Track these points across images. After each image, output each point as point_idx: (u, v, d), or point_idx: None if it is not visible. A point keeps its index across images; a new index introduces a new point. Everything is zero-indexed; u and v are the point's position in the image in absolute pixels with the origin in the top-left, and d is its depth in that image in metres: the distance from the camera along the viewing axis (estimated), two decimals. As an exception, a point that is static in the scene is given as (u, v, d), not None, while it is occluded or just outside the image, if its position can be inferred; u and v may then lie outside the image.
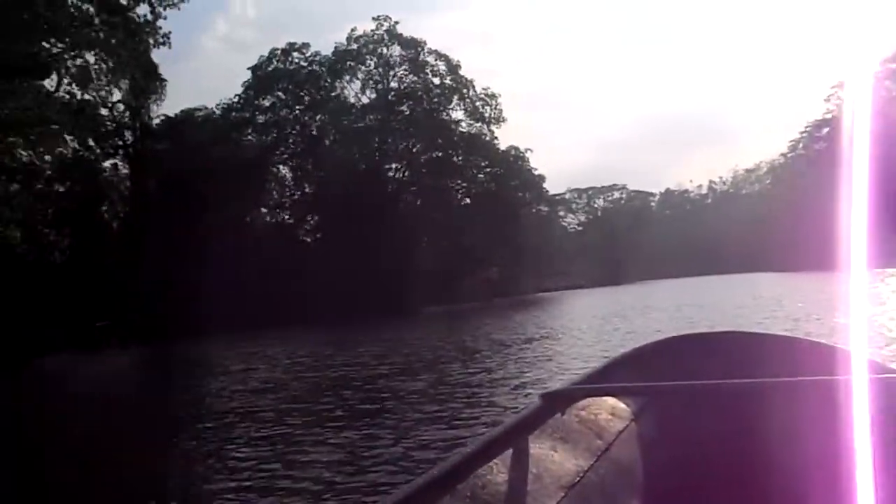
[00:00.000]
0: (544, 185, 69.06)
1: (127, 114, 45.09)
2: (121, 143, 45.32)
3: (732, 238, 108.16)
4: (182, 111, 56.15)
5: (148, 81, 44.81)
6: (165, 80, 45.52)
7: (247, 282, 44.08)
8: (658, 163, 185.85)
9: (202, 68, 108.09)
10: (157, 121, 46.72)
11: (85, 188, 40.44)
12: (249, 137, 54.35)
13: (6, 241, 23.87)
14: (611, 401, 3.01)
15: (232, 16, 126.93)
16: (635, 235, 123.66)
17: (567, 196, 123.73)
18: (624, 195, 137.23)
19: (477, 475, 2.05)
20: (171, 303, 40.08)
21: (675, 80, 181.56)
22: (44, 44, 27.84)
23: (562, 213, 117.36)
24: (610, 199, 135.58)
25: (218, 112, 55.48)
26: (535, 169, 63.43)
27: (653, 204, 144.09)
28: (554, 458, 2.41)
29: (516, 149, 61.05)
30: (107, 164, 45.35)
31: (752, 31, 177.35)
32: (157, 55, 43.08)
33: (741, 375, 2.57)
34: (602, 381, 2.97)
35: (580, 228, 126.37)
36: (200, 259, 47.83)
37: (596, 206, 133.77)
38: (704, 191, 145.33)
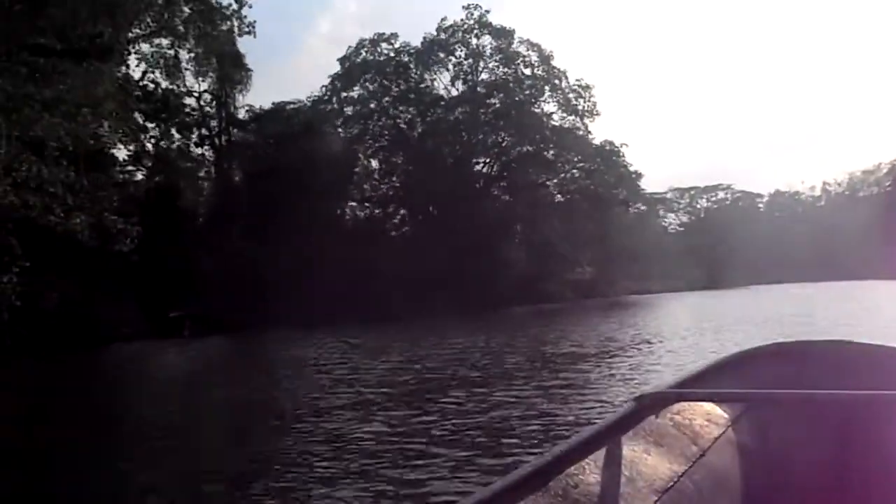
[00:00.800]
0: (640, 182, 65.69)
1: (213, 103, 44.95)
2: (207, 132, 45.23)
3: (847, 243, 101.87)
4: (274, 104, 56.35)
5: (234, 71, 44.60)
6: (251, 70, 45.22)
7: (330, 274, 43.21)
8: (766, 162, 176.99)
9: (304, 64, 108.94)
10: (242, 111, 46.36)
11: (166, 177, 40.38)
12: (338, 130, 53.58)
13: (70, 230, 23.27)
14: (707, 406, 2.95)
15: (335, 12, 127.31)
16: (740, 238, 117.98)
17: (668, 195, 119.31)
18: (729, 196, 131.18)
19: (568, 474, 2.04)
20: (250, 294, 39.68)
21: (785, 75, 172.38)
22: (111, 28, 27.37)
23: (661, 213, 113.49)
24: (714, 199, 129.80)
25: (308, 104, 55.00)
26: (631, 165, 60.35)
27: (760, 205, 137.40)
28: (647, 462, 2.36)
29: (611, 143, 58.26)
30: (192, 152, 45.50)
31: (867, 24, 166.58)
32: (257, 50, 42.78)
33: (846, 386, 2.57)
34: (698, 385, 2.99)
35: (681, 229, 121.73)
36: (285, 251, 47.67)
37: (699, 206, 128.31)
38: (817, 192, 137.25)
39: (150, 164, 36.74)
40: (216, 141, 45.27)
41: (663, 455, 2.44)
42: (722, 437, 2.80)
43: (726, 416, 2.95)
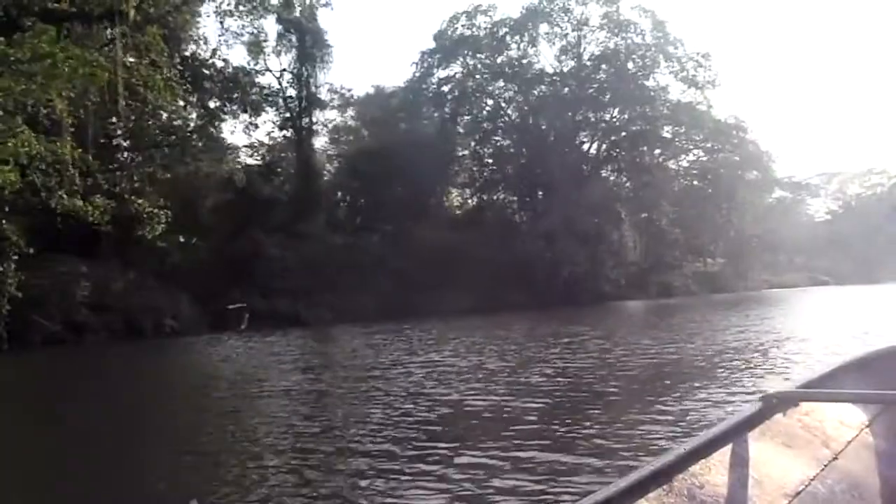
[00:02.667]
0: (777, 164, 58.98)
1: (293, 82, 42.63)
2: (288, 114, 42.91)
3: None
4: (374, 86, 54.04)
5: (315, 48, 42.17)
6: (331, 46, 42.54)
7: (423, 263, 39.95)
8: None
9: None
10: (324, 91, 43.82)
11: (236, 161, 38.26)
12: (433, 111, 50.31)
13: (73, 211, 21.09)
14: (839, 407, 2.82)
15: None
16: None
17: (813, 180, 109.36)
18: (885, 181, 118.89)
19: (694, 473, 2.02)
20: (328, 285, 37.16)
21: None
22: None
23: (806, 200, 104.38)
24: (867, 184, 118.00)
25: (403, 84, 52.20)
26: (759, 143, 53.72)
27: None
28: (776, 463, 2.32)
29: (736, 118, 51.91)
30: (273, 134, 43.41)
31: None
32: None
33: None
34: (828, 385, 2.86)
35: (828, 217, 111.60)
36: (373, 240, 45.02)
37: (849, 192, 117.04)
38: None
39: (208, 146, 34.39)
40: (298, 122, 42.83)
41: (793, 457, 2.39)
42: (856, 441, 2.69)
43: (860, 418, 2.82)
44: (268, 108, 40.47)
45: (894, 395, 2.81)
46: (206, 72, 35.50)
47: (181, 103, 31.70)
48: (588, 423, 8.43)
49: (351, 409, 10.80)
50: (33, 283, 24.74)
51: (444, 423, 9.23)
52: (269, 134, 44.13)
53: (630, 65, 49.96)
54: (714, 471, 2.08)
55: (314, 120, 43.32)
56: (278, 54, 43.21)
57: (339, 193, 50.91)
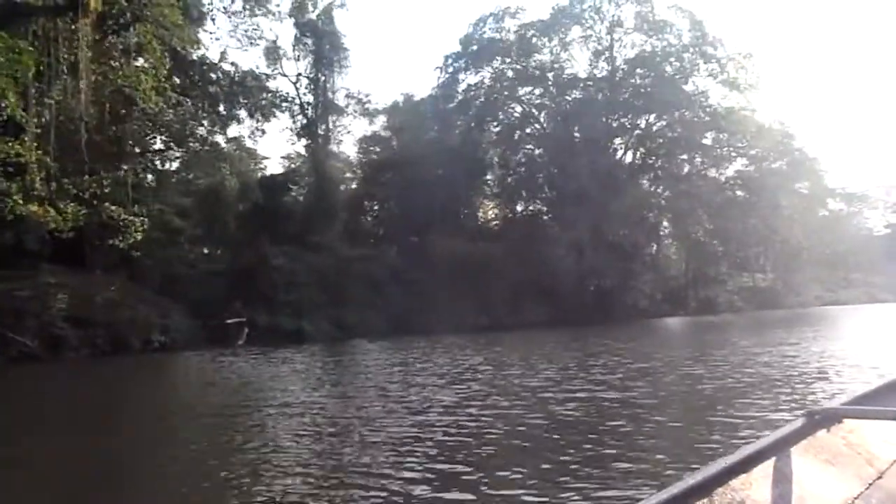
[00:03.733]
0: (823, 172, 55.42)
1: (310, 87, 40.93)
2: (304, 120, 41.17)
3: None
4: (402, 94, 52.27)
5: (332, 52, 40.48)
6: (348, 50, 40.79)
7: (442, 277, 37.75)
8: None
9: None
10: (342, 96, 42.00)
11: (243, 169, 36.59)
12: (459, 118, 48.16)
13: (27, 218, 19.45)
14: (884, 425, 2.78)
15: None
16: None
17: (871, 192, 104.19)
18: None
19: (735, 487, 2.00)
20: (339, 299, 35.24)
21: None
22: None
23: (863, 212, 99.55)
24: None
25: (431, 91, 50.24)
26: (803, 149, 50.23)
27: None
28: (819, 480, 2.29)
29: (781, 123, 48.56)
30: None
31: None
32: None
33: None
34: (873, 402, 2.85)
35: (888, 231, 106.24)
36: (393, 251, 43.07)
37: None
38: None
39: (201, 150, 32.80)
40: (314, 128, 41.08)
41: (836, 474, 2.34)
42: None
43: None
44: (279, 114, 38.69)
45: None
46: (213, 76, 33.91)
47: (184, 106, 30.37)
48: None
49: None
50: (10, 294, 23.43)
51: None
52: (288, 142, 42.52)
53: (667, 68, 47.14)
54: (756, 486, 2.03)
55: (331, 126, 41.41)
56: (297, 59, 41.72)
57: (366, 203, 49.20)
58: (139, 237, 22.81)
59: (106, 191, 21.45)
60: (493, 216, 52.26)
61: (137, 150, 27.64)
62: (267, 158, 46.67)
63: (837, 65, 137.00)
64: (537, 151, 48.73)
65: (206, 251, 36.78)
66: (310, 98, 40.96)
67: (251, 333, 30.33)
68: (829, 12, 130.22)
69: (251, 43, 37.90)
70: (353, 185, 50.40)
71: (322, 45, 40.40)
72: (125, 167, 24.45)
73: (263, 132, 38.45)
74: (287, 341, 30.03)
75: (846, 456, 2.48)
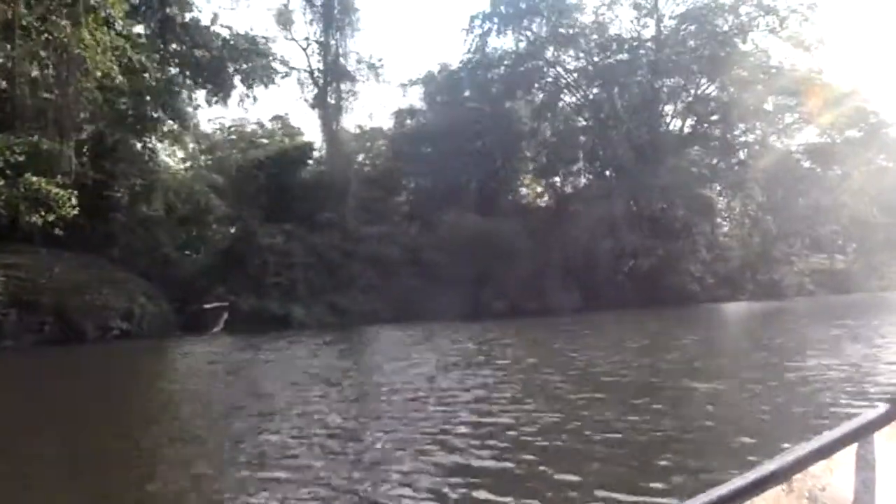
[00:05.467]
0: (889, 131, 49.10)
1: (319, 52, 37.66)
2: (313, 87, 37.90)
3: None
4: (440, 64, 48.75)
5: (341, 14, 37.12)
6: (358, 10, 37.30)
7: (466, 258, 34.11)
8: None
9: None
10: (353, 61, 38.47)
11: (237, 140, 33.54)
12: (491, 86, 44.17)
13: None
14: None
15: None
16: None
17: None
18: None
19: (814, 474, 1.95)
20: (344, 282, 32.11)
21: None
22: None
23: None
24: None
25: (463, 58, 46.41)
26: (879, 114, 44.22)
27: None
28: None
29: (854, 86, 42.71)
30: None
31: None
32: None
33: None
34: None
35: None
36: (409, 230, 39.80)
37: None
38: None
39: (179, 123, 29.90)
40: (324, 97, 37.72)
41: None
42: None
43: None
44: (283, 81, 35.43)
45: None
46: (201, 39, 30.94)
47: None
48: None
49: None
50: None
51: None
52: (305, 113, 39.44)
53: (720, 23, 41.98)
54: (837, 473, 1.99)
55: (343, 94, 37.99)
56: (309, 23, 38.51)
57: (397, 178, 46.01)
58: (72, 212, 19.80)
59: (20, 159, 18.50)
60: (530, 193, 48.39)
61: (84, 116, 24.75)
62: (299, 134, 43.73)
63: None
64: (577, 121, 44.35)
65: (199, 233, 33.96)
66: (319, 64, 37.70)
67: (232, 319, 27.41)
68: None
69: (247, 5, 34.87)
70: (381, 161, 47.30)
71: (331, 5, 37.08)
72: (61, 137, 21.53)
73: (255, 99, 35.23)
74: (272, 327, 27.03)
75: None
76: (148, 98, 27.47)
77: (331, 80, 37.76)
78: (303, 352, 19.94)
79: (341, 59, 37.82)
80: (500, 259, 33.82)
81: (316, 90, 38.26)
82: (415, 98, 49.10)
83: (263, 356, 19.25)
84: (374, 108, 44.18)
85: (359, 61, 38.42)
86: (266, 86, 34.26)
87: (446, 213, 36.61)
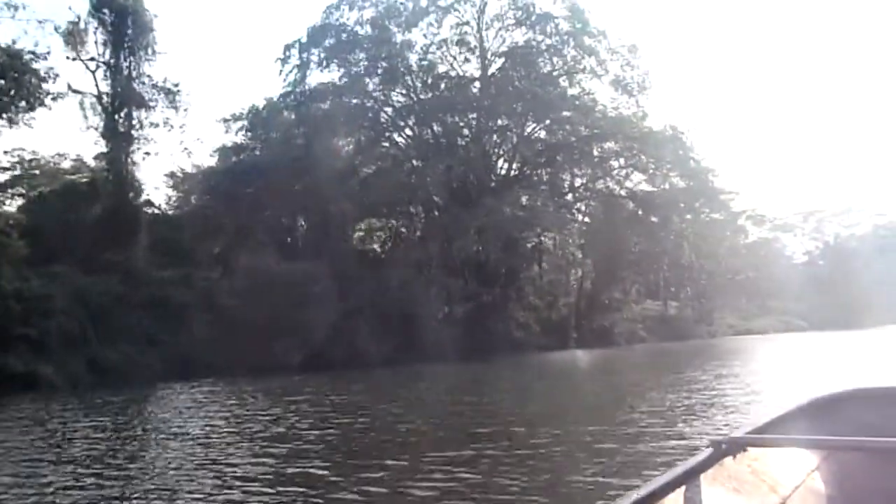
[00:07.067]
0: (728, 190, 50.38)
1: (109, 75, 33.56)
2: (101, 113, 33.62)
3: None
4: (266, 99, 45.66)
5: (136, 32, 33.37)
6: (153, 30, 33.69)
7: (253, 305, 30.50)
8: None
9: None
10: (148, 87, 34.60)
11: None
12: (308, 119, 41.41)
13: None
14: (786, 452, 2.89)
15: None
16: (879, 270, 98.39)
17: (790, 220, 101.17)
18: (865, 221, 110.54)
19: None
20: (112, 331, 27.84)
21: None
22: None
23: (781, 239, 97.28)
24: (846, 224, 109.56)
25: (282, 90, 43.55)
26: (703, 158, 44.58)
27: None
28: None
29: (674, 128, 42.60)
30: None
31: None
32: None
33: None
34: (776, 430, 2.91)
35: (806, 258, 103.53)
36: (214, 274, 36.08)
37: (827, 232, 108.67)
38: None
39: None
40: (117, 127, 33.56)
41: (743, 502, 2.41)
42: (802, 486, 2.74)
43: (806, 463, 2.88)
44: (49, 104, 30.86)
45: (839, 441, 2.80)
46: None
47: None
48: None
49: None
50: None
51: None
52: (96, 143, 35.11)
53: (544, 63, 41.07)
54: None
55: (134, 122, 33.99)
56: (103, 44, 34.37)
57: (212, 217, 42.22)
58: None
59: None
60: (365, 234, 45.70)
61: None
62: (86, 166, 39.40)
63: (759, 99, 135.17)
64: (400, 159, 42.07)
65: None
66: (106, 88, 33.60)
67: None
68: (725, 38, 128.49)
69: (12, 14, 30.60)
70: (194, 198, 43.74)
71: (123, 24, 33.30)
72: None
73: (29, 125, 30.47)
74: (13, 389, 22.55)
75: (751, 483, 2.50)
76: None
77: (120, 106, 33.70)
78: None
79: (135, 85, 33.91)
80: (302, 306, 30.62)
81: (104, 117, 34.03)
82: (238, 134, 45.92)
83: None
84: (190, 143, 41.45)
85: (154, 86, 34.52)
86: (33, 108, 29.71)
87: (244, 256, 33.20)
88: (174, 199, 46.27)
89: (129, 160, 33.89)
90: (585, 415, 14.41)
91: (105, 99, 33.67)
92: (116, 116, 33.65)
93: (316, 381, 24.53)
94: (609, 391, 20.00)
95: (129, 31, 33.48)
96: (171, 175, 45.31)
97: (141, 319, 29.00)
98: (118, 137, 33.62)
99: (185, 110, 35.70)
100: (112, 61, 33.61)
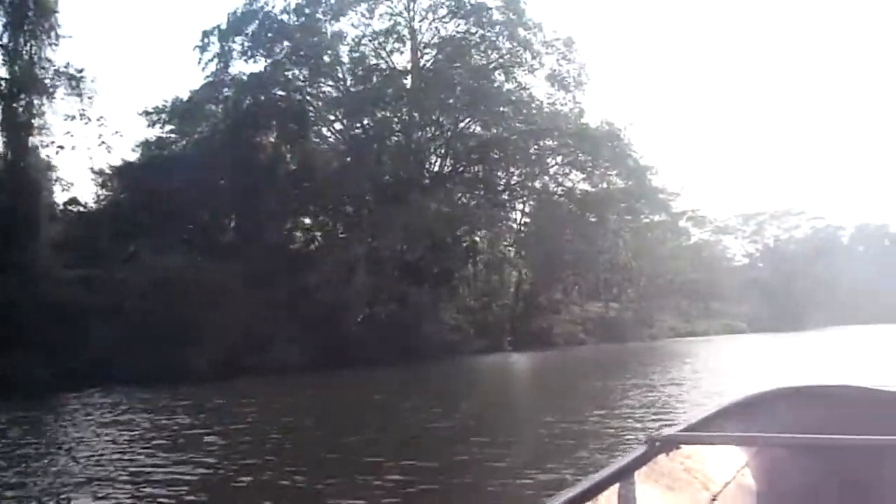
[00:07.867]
0: (669, 191, 49.82)
1: (4, 58, 31.09)
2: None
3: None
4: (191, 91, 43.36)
5: (36, 12, 30.93)
6: (57, 12, 31.31)
7: (165, 306, 28.34)
8: (853, 189, 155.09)
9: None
10: (50, 74, 32.14)
11: None
12: (229, 112, 39.44)
13: None
14: (718, 449, 2.90)
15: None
16: (818, 273, 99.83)
17: (731, 222, 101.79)
18: (804, 224, 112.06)
19: None
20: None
21: (871, 92, 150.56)
22: None
23: (722, 241, 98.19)
24: (786, 227, 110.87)
25: (204, 81, 41.49)
26: (642, 157, 43.72)
27: (844, 238, 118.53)
28: None
29: (610, 125, 41.58)
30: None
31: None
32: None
33: (859, 431, 2.56)
34: (709, 428, 2.95)
35: (746, 261, 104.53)
36: (128, 275, 33.80)
37: (767, 234, 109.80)
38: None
39: None
40: (15, 115, 31.04)
41: (675, 498, 2.46)
42: (733, 482, 2.80)
43: (737, 459, 2.93)
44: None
45: (768, 437, 2.89)
46: None
47: None
48: None
49: None
50: None
51: None
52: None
53: (478, 55, 39.70)
54: None
55: (35, 111, 31.49)
56: (3, 27, 31.80)
57: (126, 216, 39.91)
58: None
59: None
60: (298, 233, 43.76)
61: None
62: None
63: (700, 100, 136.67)
64: (326, 154, 40.19)
65: None
66: (4, 73, 31.08)
67: None
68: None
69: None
70: (110, 195, 41.30)
71: (23, 4, 30.86)
72: None
73: None
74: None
75: (684, 480, 2.52)
76: None
77: (19, 93, 31.21)
78: None
79: (36, 70, 31.44)
80: (215, 308, 28.60)
81: (1, 105, 31.48)
82: (158, 127, 43.58)
83: None
84: (109, 137, 38.59)
85: (57, 72, 32.07)
86: None
87: (154, 255, 31.02)
88: (102, 196, 43.81)
89: (34, 153, 31.43)
90: (510, 419, 14.34)
91: (2, 85, 31.16)
92: (14, 104, 31.14)
93: (221, 389, 22.75)
94: (539, 393, 19.84)
95: (30, 13, 31.06)
96: (100, 172, 42.84)
97: (36, 323, 26.69)
98: (17, 128, 31.14)
99: (91, 98, 33.26)
100: (10, 45, 31.11)
